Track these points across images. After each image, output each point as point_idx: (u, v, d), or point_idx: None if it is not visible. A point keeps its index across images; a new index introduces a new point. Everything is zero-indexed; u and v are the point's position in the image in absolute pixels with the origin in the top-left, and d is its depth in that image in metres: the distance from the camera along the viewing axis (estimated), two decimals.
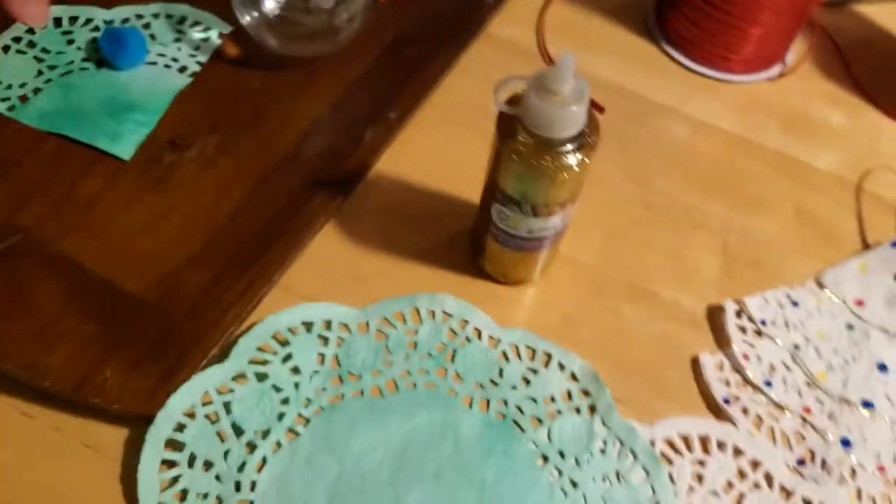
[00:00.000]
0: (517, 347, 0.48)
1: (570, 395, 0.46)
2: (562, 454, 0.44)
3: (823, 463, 0.45)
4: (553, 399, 0.46)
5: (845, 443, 0.46)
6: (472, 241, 0.50)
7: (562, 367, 0.47)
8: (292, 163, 0.52)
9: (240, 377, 0.44)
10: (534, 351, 0.47)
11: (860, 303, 0.51)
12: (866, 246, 0.54)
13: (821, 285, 0.52)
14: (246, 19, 0.55)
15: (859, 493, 0.45)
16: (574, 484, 0.43)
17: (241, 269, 0.47)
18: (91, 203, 0.49)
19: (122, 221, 0.48)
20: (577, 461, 0.44)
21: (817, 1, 0.59)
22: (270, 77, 0.56)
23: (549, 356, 0.47)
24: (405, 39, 0.59)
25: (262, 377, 0.44)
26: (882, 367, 0.49)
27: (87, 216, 0.48)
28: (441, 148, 0.55)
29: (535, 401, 0.46)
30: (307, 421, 0.43)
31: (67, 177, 0.50)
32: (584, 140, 0.41)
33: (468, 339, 0.47)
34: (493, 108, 0.41)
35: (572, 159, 0.41)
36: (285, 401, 0.44)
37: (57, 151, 0.51)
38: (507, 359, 0.47)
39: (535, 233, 0.45)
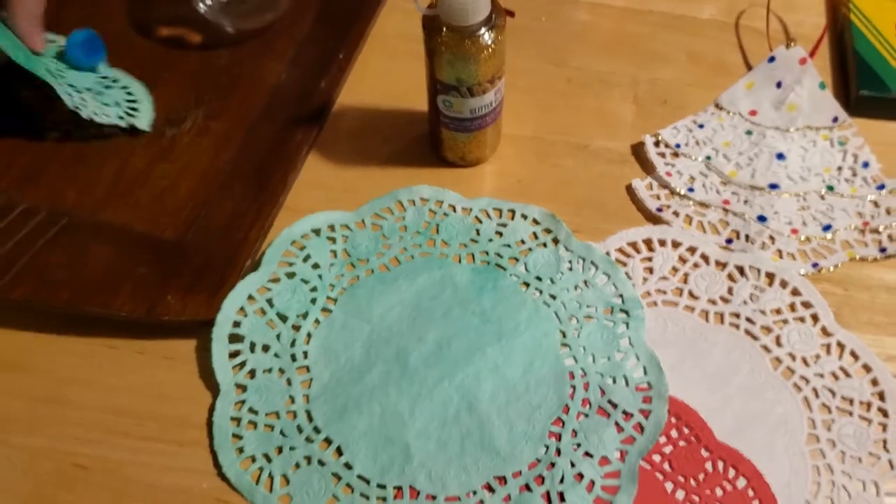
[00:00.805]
0: (486, 211, 0.58)
1: (535, 236, 0.57)
2: (539, 278, 0.55)
3: (747, 237, 0.56)
4: (523, 241, 0.57)
5: (761, 218, 0.57)
6: (431, 137, 0.61)
7: (524, 216, 0.58)
8: (270, 111, 0.62)
9: (273, 279, 0.55)
10: (500, 211, 0.58)
11: (754, 112, 0.62)
12: (750, 69, 0.65)
13: (719, 107, 0.63)
14: (201, 7, 0.65)
15: (780, 253, 0.56)
16: (553, 296, 0.54)
17: (252, 198, 0.57)
18: (115, 180, 0.59)
19: (146, 188, 0.59)
20: (551, 280, 0.55)
21: None
22: (234, 51, 0.66)
23: (512, 212, 0.58)
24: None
25: (291, 276, 0.55)
26: (780, 156, 0.60)
27: (115, 190, 0.59)
28: (389, 73, 0.66)
29: (509, 246, 0.56)
30: (335, 300, 0.54)
31: (91, 166, 0.60)
32: (494, 22, 0.52)
33: (446, 214, 0.58)
34: (417, 11, 0.52)
35: (488, 38, 0.52)
36: (314, 289, 0.54)
37: (77, 151, 0.61)
38: (480, 221, 0.58)
39: (476, 112, 0.56)
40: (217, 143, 0.61)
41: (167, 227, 0.57)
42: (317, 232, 0.57)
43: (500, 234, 0.57)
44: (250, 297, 0.54)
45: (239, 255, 0.55)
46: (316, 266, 0.56)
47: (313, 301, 0.54)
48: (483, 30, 0.52)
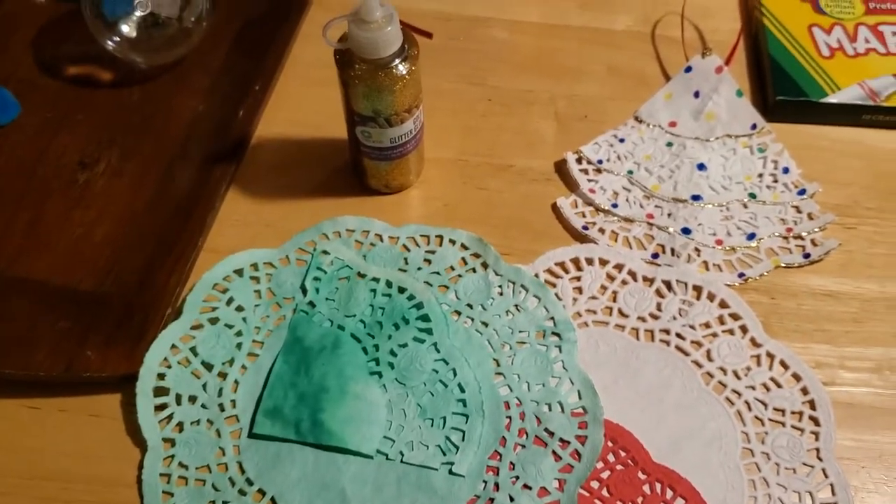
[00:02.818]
0: (414, 238, 0.58)
1: (464, 261, 0.56)
2: (470, 306, 0.54)
3: (672, 251, 0.57)
4: (452, 268, 0.56)
5: (686, 231, 0.57)
6: (353, 166, 0.60)
7: (452, 242, 0.57)
8: (187, 148, 0.61)
9: (196, 326, 0.53)
10: (427, 237, 0.58)
11: (673, 124, 0.63)
12: (668, 79, 0.65)
13: (639, 120, 0.63)
14: (109, 45, 0.63)
15: (706, 265, 0.56)
16: (485, 324, 0.54)
17: (171, 241, 0.56)
18: (28, 231, 0.57)
19: (61, 236, 0.57)
20: (482, 307, 0.54)
21: None
22: (147, 87, 0.65)
23: (440, 237, 0.57)
24: (252, 22, 0.68)
25: (214, 321, 0.53)
26: (701, 167, 0.60)
27: (28, 241, 0.57)
28: (307, 102, 0.64)
29: (438, 273, 0.56)
30: (262, 343, 0.53)
31: (3, 217, 0.58)
32: (407, 52, 0.51)
33: (373, 244, 0.57)
34: (327, 47, 0.51)
35: (402, 69, 0.51)
36: (239, 333, 0.53)
37: None
38: (407, 249, 0.57)
39: (396, 141, 0.55)
40: (133, 185, 0.59)
41: (84, 277, 0.55)
42: (239, 272, 0.56)
43: (429, 261, 0.56)
44: (173, 347, 0.52)
45: (159, 303, 0.53)
46: (240, 309, 0.54)
47: (239, 346, 0.53)
48: (396, 61, 0.51)
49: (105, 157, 0.61)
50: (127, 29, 0.64)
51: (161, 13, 0.63)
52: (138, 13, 0.63)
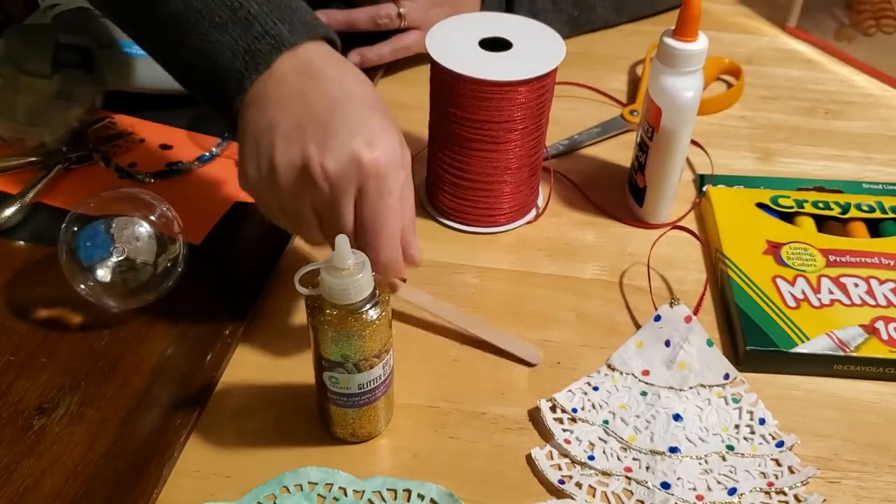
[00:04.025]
0: (380, 493, 0.55)
1: None
2: None
3: None
4: None
5: (665, 485, 0.55)
6: (320, 414, 0.58)
7: (421, 497, 0.54)
8: (150, 394, 0.59)
9: None
10: (395, 491, 0.55)
11: (646, 372, 0.62)
12: (638, 327, 0.66)
13: (612, 367, 0.63)
14: (83, 289, 0.63)
15: None
16: None
17: (123, 495, 0.52)
18: None
19: (6, 488, 0.53)
20: None
21: (541, 156, 0.74)
22: (117, 331, 0.64)
23: (408, 492, 0.55)
24: (230, 275, 0.69)
25: None
26: (677, 417, 0.59)
27: None
28: (276, 345, 0.64)
29: None
30: None
31: None
32: (377, 298, 0.52)
33: (336, 499, 0.54)
34: (299, 292, 0.51)
35: (373, 314, 0.51)
36: None
37: None
38: None
39: (364, 387, 0.54)
40: (90, 433, 0.57)
41: None
42: None
43: None
44: None
45: None
46: None
47: None
48: (367, 306, 0.51)
49: (65, 403, 0.59)
50: (102, 273, 0.64)
51: (137, 258, 0.64)
52: (115, 258, 0.63)
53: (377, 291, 0.52)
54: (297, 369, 0.62)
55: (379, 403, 0.56)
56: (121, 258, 0.64)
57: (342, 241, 0.49)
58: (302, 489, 0.55)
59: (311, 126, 0.54)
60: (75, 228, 0.63)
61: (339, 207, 0.55)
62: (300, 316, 0.65)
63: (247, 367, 0.63)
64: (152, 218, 0.65)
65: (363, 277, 0.50)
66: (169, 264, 0.65)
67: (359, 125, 0.54)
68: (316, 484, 0.55)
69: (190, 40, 0.57)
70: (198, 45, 0.57)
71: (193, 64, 0.58)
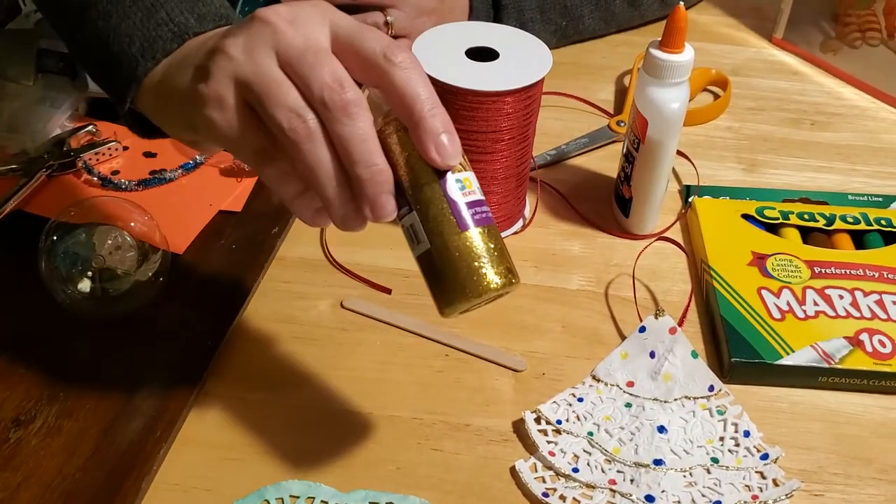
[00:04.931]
0: None
1: None
2: None
3: None
4: None
5: (649, 499, 0.55)
6: (454, 277, 0.46)
7: None
8: (129, 407, 0.58)
9: None
10: None
11: (631, 383, 0.62)
12: (623, 338, 0.66)
13: (596, 379, 0.62)
14: (62, 298, 0.62)
15: None
16: None
17: None
18: None
19: None
20: None
21: (528, 166, 0.74)
22: (97, 342, 0.63)
23: None
24: (212, 285, 0.69)
25: None
26: (661, 429, 0.59)
27: None
28: (257, 358, 0.63)
29: None
30: None
31: None
32: None
33: None
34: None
35: None
36: None
37: None
38: None
39: (481, 190, 0.46)
40: (68, 446, 0.56)
41: None
42: None
43: None
44: None
45: None
46: None
47: None
48: None
49: (43, 415, 0.58)
50: (82, 283, 0.63)
51: (119, 268, 0.63)
52: (95, 267, 0.63)
53: None
54: (279, 381, 0.61)
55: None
56: (102, 267, 0.63)
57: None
58: (283, 503, 0.54)
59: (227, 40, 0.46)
60: (56, 237, 0.62)
61: (315, 57, 0.44)
62: (283, 326, 0.65)
63: (228, 378, 0.62)
64: (134, 227, 0.64)
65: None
66: (151, 274, 0.64)
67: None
68: (298, 497, 0.54)
69: (89, 19, 0.53)
70: (95, 27, 0.53)
71: (91, 46, 0.54)
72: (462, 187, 0.45)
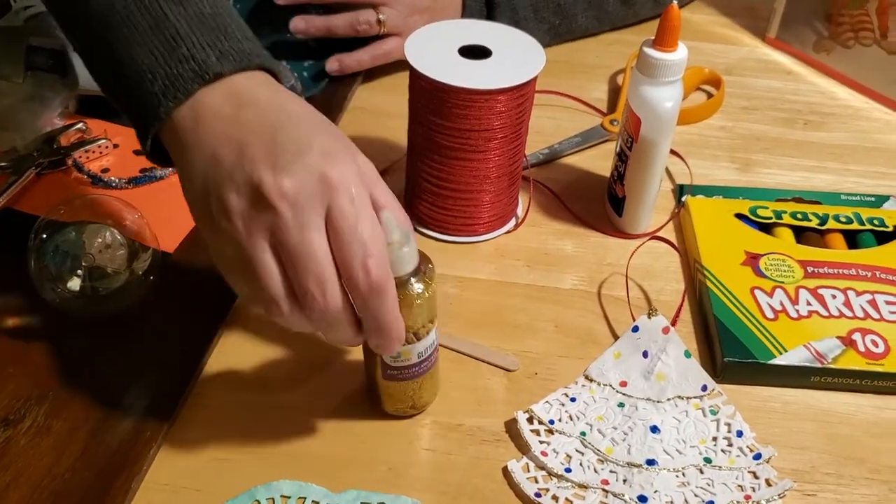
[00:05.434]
0: None
1: None
2: None
3: None
4: None
5: (642, 499, 0.55)
6: (371, 395, 0.59)
7: None
8: (119, 407, 0.58)
9: None
10: None
11: (624, 383, 0.62)
12: (616, 338, 0.65)
13: (589, 379, 0.62)
14: (52, 297, 0.62)
15: None
16: None
17: None
18: None
19: None
20: None
21: (521, 165, 0.74)
22: (86, 340, 0.63)
23: None
24: (202, 284, 0.68)
25: None
26: (654, 429, 0.59)
27: None
28: (247, 358, 0.63)
29: None
30: None
31: None
32: (422, 269, 0.52)
33: None
34: None
35: (418, 287, 0.52)
36: None
37: None
38: None
39: (423, 354, 0.55)
40: (57, 446, 0.56)
41: None
42: None
43: None
44: None
45: None
46: None
47: None
48: (413, 279, 0.52)
49: (32, 414, 0.58)
50: (72, 281, 0.63)
51: (108, 266, 0.63)
52: (85, 266, 0.62)
53: (421, 264, 0.53)
54: (270, 380, 0.61)
55: (435, 367, 0.58)
56: (91, 266, 0.62)
57: (386, 215, 0.49)
58: (274, 503, 0.54)
59: (256, 149, 0.47)
60: (45, 235, 0.62)
61: (305, 233, 0.46)
62: (273, 327, 0.64)
63: (218, 377, 0.61)
64: (124, 225, 0.64)
65: (409, 251, 0.51)
66: (141, 272, 0.64)
67: (310, 140, 0.48)
68: (288, 497, 0.54)
69: (111, 45, 0.51)
70: (117, 57, 0.51)
71: (115, 73, 0.52)
72: (398, 355, 0.55)
